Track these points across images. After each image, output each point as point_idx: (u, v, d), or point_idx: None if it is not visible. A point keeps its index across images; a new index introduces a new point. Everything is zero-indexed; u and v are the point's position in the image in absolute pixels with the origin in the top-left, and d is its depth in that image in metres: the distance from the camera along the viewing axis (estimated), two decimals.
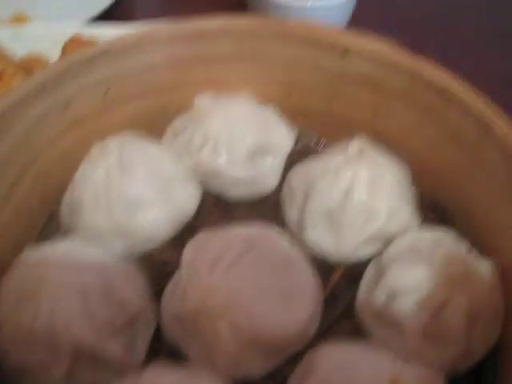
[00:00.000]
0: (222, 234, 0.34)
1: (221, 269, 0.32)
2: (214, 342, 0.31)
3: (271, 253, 0.34)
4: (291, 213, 0.39)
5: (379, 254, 0.37)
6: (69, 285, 0.32)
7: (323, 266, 0.37)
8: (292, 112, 0.42)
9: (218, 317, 0.30)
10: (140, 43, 0.39)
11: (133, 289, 0.34)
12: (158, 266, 0.37)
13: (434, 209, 0.39)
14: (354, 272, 0.37)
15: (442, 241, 0.35)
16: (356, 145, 0.37)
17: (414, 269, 0.33)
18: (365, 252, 0.37)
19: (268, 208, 0.41)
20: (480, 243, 0.35)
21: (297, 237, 0.38)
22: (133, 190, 0.37)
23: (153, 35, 0.40)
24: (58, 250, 0.34)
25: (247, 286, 0.31)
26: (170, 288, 0.35)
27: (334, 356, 0.31)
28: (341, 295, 0.36)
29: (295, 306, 0.32)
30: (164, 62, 0.41)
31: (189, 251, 0.34)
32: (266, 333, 0.31)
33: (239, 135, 0.40)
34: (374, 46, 0.40)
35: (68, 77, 0.38)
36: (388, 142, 0.40)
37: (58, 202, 0.39)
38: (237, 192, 0.40)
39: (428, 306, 0.32)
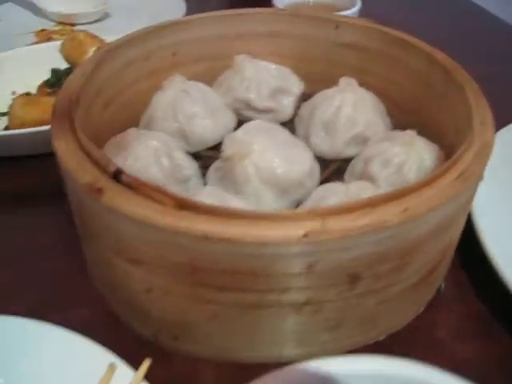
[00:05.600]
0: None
1: (248, 135, 0.47)
2: (243, 177, 0.46)
3: (283, 133, 0.50)
4: (300, 130, 0.55)
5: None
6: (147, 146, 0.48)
7: (323, 163, 0.52)
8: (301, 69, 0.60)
9: (246, 158, 0.45)
10: (195, 21, 0.58)
11: (187, 159, 0.50)
12: (205, 158, 0.53)
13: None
14: (344, 166, 0.52)
15: (403, 134, 0.50)
16: (344, 80, 0.54)
17: (381, 144, 0.48)
18: (351, 151, 0.53)
19: None
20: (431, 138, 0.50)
21: None
22: (192, 107, 0.54)
23: (206, 15, 0.59)
24: (141, 132, 0.50)
25: (267, 144, 0.47)
26: (212, 166, 0.51)
27: None
28: (334, 178, 0.51)
29: (299, 162, 0.48)
30: (215, 37, 0.59)
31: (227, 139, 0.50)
32: (279, 174, 0.46)
33: (264, 80, 0.57)
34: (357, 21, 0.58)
35: (148, 37, 0.56)
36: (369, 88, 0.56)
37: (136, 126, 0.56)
38: (262, 119, 0.57)
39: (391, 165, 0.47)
